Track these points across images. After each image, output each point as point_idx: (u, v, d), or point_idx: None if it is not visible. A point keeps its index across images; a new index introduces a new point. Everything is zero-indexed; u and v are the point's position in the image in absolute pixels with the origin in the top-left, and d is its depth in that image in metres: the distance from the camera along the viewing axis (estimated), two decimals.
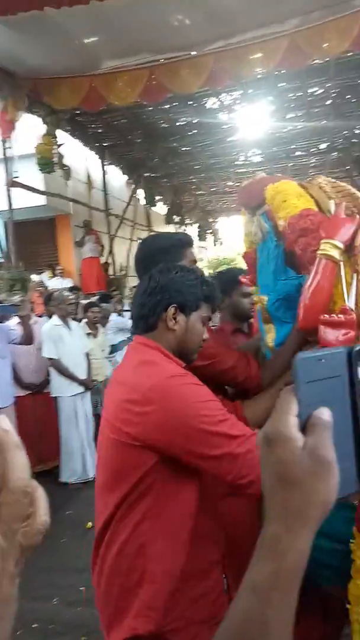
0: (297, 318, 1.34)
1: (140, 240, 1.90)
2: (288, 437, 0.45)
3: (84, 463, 4.41)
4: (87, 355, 4.66)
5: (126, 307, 6.96)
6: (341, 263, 1.30)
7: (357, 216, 1.34)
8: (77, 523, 3.65)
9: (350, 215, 1.35)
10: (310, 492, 0.43)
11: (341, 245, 1.29)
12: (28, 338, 4.08)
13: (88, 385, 4.51)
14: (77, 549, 3.30)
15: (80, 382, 4.43)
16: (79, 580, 2.94)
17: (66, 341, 4.42)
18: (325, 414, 0.45)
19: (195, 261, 1.69)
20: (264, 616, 0.43)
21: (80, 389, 4.44)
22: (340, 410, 0.47)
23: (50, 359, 4.37)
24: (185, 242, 1.64)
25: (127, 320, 5.95)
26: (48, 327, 4.44)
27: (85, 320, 5.19)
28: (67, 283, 8.66)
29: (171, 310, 1.23)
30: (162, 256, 1.57)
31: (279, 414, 0.46)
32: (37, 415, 4.54)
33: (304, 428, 0.45)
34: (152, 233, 12.97)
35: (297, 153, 11.06)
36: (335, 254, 1.28)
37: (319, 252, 1.30)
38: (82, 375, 4.47)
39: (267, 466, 0.46)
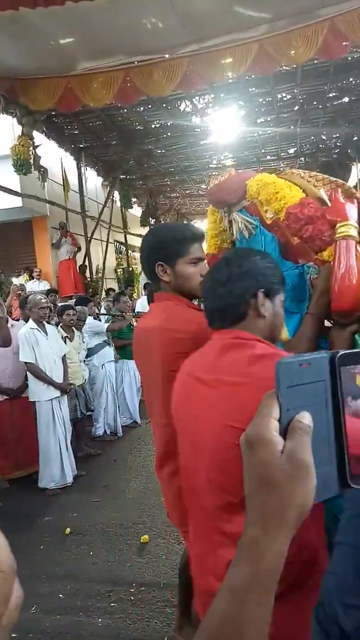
0: (326, 303, 1.38)
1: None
2: (268, 440, 0.45)
3: (62, 468, 4.41)
4: (64, 359, 4.66)
5: (102, 311, 6.95)
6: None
7: (354, 199, 1.39)
8: (56, 529, 3.60)
9: (348, 197, 1.40)
10: (288, 496, 0.44)
11: (357, 225, 1.33)
12: (6, 341, 4.04)
13: (64, 389, 4.51)
14: (56, 556, 3.26)
15: (57, 386, 4.42)
16: (58, 587, 2.88)
17: (42, 345, 4.41)
18: (305, 418, 0.46)
19: (202, 258, 1.57)
20: (241, 617, 0.44)
21: (57, 393, 4.43)
22: (322, 414, 0.47)
23: (27, 363, 4.35)
24: (182, 240, 1.52)
25: (102, 324, 5.96)
26: (24, 331, 4.42)
27: (60, 323, 5.14)
28: (44, 286, 8.65)
29: (260, 295, 1.15)
30: (160, 250, 1.52)
31: (260, 417, 0.47)
32: (15, 420, 4.49)
33: (285, 432, 0.46)
34: (136, 234, 13.06)
35: (268, 157, 11.38)
36: (355, 233, 1.33)
37: (338, 234, 1.34)
38: (58, 379, 4.47)
39: (248, 469, 0.47)
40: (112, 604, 2.68)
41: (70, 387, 4.66)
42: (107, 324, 5.94)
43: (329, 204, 1.41)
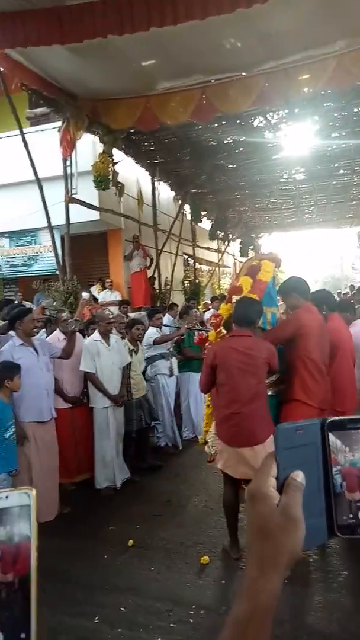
0: None
1: None
2: (266, 495, 0.54)
3: (113, 472, 4.61)
4: (124, 370, 4.80)
5: (165, 322, 6.89)
6: None
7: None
8: (119, 540, 3.66)
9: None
10: (281, 544, 0.52)
11: None
12: (69, 353, 4.34)
13: (116, 400, 4.65)
14: (120, 567, 3.32)
15: (109, 397, 4.60)
16: (120, 599, 2.92)
17: (103, 356, 4.62)
18: (299, 476, 0.54)
19: None
20: None
21: (109, 402, 4.62)
22: (314, 472, 0.56)
23: (87, 372, 4.59)
24: None
25: (154, 333, 5.75)
26: (87, 342, 4.69)
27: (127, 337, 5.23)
28: (116, 296, 8.88)
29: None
30: None
31: (261, 474, 0.55)
32: (75, 426, 4.70)
33: (281, 487, 0.54)
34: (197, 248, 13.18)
35: (341, 171, 11.05)
36: None
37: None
38: (115, 389, 4.64)
39: (249, 518, 0.55)
40: (172, 625, 2.69)
41: (122, 398, 4.76)
42: (156, 336, 5.76)
43: None
